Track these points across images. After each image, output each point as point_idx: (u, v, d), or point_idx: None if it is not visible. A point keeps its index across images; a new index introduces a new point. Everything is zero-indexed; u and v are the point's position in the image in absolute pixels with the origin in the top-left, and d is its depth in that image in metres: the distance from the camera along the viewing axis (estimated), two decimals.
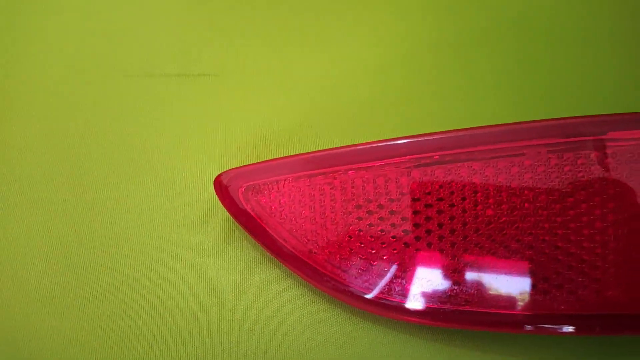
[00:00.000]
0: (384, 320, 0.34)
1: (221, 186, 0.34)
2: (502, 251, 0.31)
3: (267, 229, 0.34)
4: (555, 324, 0.31)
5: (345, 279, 0.33)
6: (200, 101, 0.39)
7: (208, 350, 0.33)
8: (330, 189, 0.33)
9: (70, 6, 0.41)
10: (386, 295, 0.32)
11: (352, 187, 0.33)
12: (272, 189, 0.33)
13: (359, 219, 0.33)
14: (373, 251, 0.33)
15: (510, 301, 0.31)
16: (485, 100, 0.38)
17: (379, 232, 0.32)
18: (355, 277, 0.33)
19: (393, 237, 0.32)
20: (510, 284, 0.31)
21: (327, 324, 0.34)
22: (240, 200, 0.34)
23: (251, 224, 0.34)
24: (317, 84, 0.39)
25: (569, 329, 0.31)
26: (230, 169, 0.34)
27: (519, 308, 0.31)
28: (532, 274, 0.31)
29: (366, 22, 0.40)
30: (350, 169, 0.33)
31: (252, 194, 0.34)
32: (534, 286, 0.31)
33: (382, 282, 0.32)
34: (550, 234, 0.31)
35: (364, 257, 0.33)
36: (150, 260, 0.35)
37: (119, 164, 0.37)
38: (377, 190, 0.32)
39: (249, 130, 0.38)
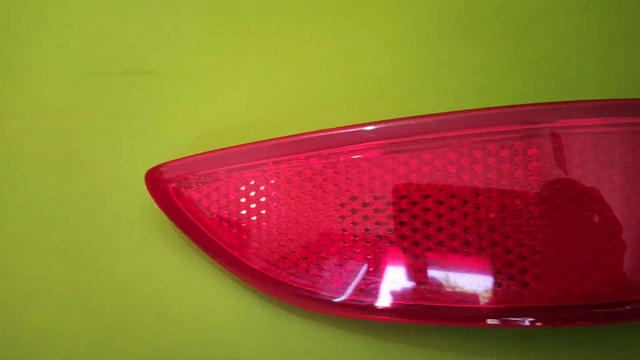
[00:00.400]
0: (315, 314, 0.33)
1: (152, 180, 0.34)
2: (437, 247, 0.31)
3: (197, 224, 0.33)
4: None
5: (272, 273, 0.33)
6: (145, 98, 0.38)
7: (136, 344, 0.33)
8: (260, 182, 0.33)
9: (15, 5, 0.41)
10: (318, 289, 0.32)
11: (283, 182, 0.32)
12: (203, 182, 0.33)
13: (277, 214, 0.32)
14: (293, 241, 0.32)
15: (452, 295, 0.31)
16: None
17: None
18: (282, 270, 0.33)
19: (307, 234, 0.32)
20: (451, 279, 0.31)
21: (257, 318, 0.34)
22: (171, 194, 0.34)
23: (181, 218, 0.33)
24: (264, 82, 0.38)
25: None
26: (161, 164, 0.34)
27: (467, 302, 0.31)
28: (473, 269, 0.31)
29: (315, 22, 0.40)
30: (281, 162, 0.33)
31: (183, 188, 0.33)
32: (474, 280, 0.31)
33: (306, 273, 0.32)
34: (476, 227, 0.30)
35: (292, 251, 0.33)
36: (84, 255, 0.35)
37: (60, 161, 0.37)
38: (303, 184, 0.32)
39: (193, 128, 0.37)
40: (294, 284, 0.32)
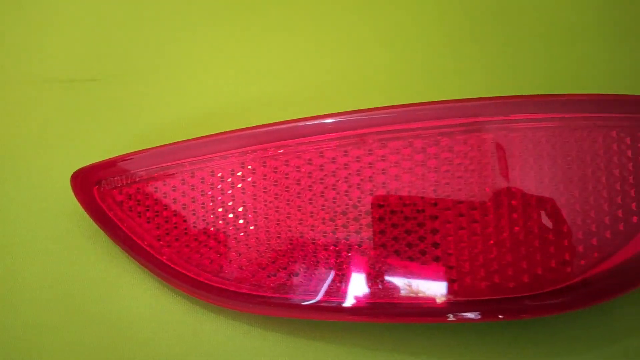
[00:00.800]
0: (230, 312, 0.34)
1: (77, 182, 0.35)
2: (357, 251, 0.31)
3: (119, 224, 0.34)
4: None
5: (190, 272, 0.33)
6: (88, 106, 0.39)
7: (53, 341, 0.34)
8: (177, 182, 0.34)
9: None
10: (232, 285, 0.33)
11: (198, 182, 0.33)
12: (125, 183, 0.34)
13: (194, 213, 0.33)
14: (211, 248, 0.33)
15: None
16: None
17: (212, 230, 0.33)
18: (204, 270, 0.33)
19: (224, 232, 0.33)
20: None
21: (172, 314, 0.35)
22: (95, 195, 0.34)
23: (104, 220, 0.34)
24: (203, 93, 0.39)
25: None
26: (87, 165, 0.35)
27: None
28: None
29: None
30: (197, 162, 0.33)
31: (106, 189, 0.34)
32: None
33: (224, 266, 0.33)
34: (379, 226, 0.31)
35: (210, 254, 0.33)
36: (9, 254, 0.36)
37: None
38: (214, 186, 0.33)
39: (133, 137, 0.38)
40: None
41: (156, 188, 0.34)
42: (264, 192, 0.32)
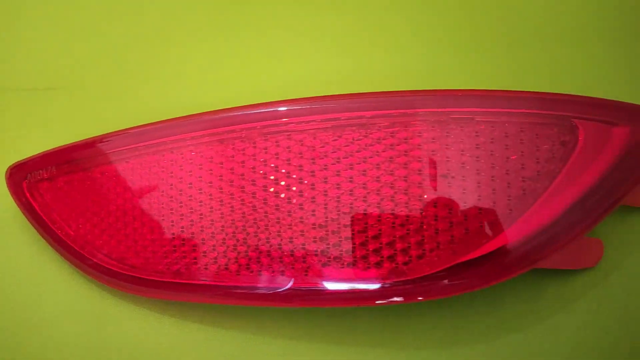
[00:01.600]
0: (136, 298, 0.35)
1: (10, 177, 0.37)
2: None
3: (42, 215, 0.36)
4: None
5: (106, 262, 0.35)
6: (47, 115, 0.41)
7: None
8: (98, 174, 0.35)
9: None
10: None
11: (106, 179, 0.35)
12: (45, 177, 0.36)
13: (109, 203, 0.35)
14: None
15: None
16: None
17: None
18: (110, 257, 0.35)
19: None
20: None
21: (80, 300, 0.37)
22: (24, 188, 0.37)
23: (30, 209, 0.36)
24: (160, 102, 0.41)
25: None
26: (21, 160, 0.37)
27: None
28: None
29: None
30: (115, 152, 0.35)
31: (32, 182, 0.36)
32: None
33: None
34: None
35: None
36: None
37: None
38: (126, 177, 0.35)
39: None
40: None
41: (76, 180, 0.36)
42: (162, 181, 0.34)
